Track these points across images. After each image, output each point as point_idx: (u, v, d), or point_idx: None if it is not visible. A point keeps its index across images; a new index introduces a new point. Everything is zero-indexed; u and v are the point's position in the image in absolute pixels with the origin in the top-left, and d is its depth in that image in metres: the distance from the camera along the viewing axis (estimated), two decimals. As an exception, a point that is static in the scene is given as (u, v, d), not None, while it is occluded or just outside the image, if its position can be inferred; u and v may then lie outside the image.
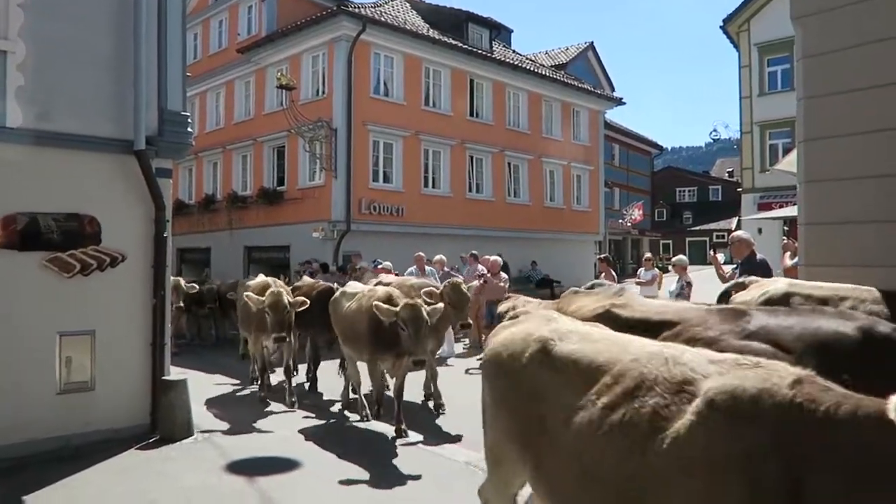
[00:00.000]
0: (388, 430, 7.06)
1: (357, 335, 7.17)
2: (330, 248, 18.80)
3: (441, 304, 6.98)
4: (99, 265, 6.88)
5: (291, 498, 5.17)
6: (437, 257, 13.26)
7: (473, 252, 12.87)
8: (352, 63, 19.06)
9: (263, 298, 7.85)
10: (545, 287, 23.18)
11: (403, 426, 6.82)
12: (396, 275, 11.96)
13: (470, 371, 10.59)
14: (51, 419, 6.52)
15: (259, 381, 9.13)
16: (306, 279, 10.85)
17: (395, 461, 6.09)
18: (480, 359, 4.12)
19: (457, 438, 6.93)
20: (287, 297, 7.93)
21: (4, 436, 6.23)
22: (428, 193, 21.30)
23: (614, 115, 36.29)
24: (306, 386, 9.48)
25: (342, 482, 5.50)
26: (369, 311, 6.68)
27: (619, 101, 29.67)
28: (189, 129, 7.75)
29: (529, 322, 3.11)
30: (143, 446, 6.62)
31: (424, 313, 6.37)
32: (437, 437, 7.02)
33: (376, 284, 8.31)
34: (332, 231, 18.83)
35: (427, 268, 12.70)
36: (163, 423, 6.94)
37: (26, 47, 6.57)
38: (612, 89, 33.88)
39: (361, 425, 7.45)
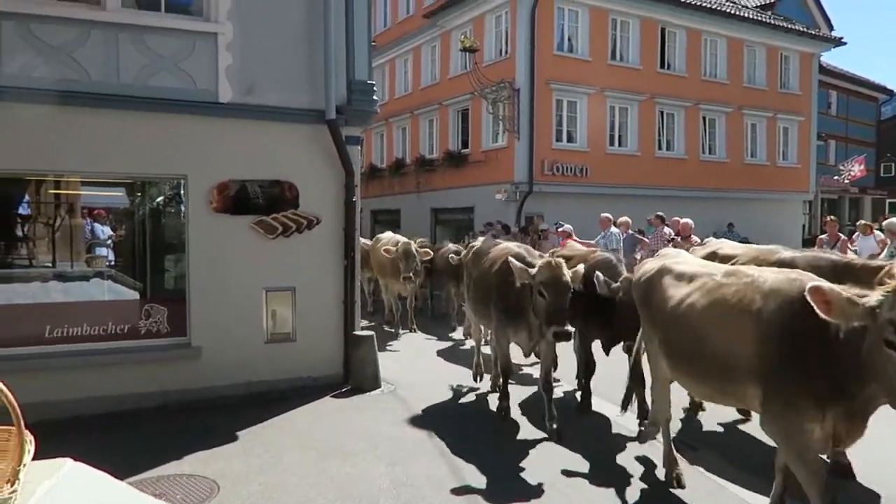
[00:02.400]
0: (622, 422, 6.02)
1: (732, 358, 3.77)
2: (513, 209, 18.85)
3: None
4: (297, 227, 7.50)
5: (467, 457, 5.30)
6: (622, 219, 12.73)
7: (659, 213, 12.15)
8: (535, 20, 18.68)
9: (533, 270, 5.49)
10: (743, 251, 21.44)
11: None
12: (575, 239, 11.68)
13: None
14: (261, 365, 7.31)
15: (495, 386, 7.03)
16: (574, 245, 8.97)
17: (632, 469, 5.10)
18: None
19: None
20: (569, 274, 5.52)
21: (225, 377, 7.12)
22: (613, 152, 20.47)
23: (833, 57, 32.15)
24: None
25: (524, 458, 5.41)
26: (781, 313, 3.50)
27: (839, 42, 26.11)
28: (374, 98, 8.05)
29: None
30: (337, 395, 7.20)
31: None
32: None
33: (707, 256, 5.87)
34: (515, 192, 18.84)
35: (612, 229, 12.22)
36: (353, 374, 7.49)
37: (233, 28, 7.22)
38: (831, 28, 29.90)
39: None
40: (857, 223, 10.90)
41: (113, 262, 8.13)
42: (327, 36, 7.51)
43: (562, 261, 5.58)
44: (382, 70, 26.64)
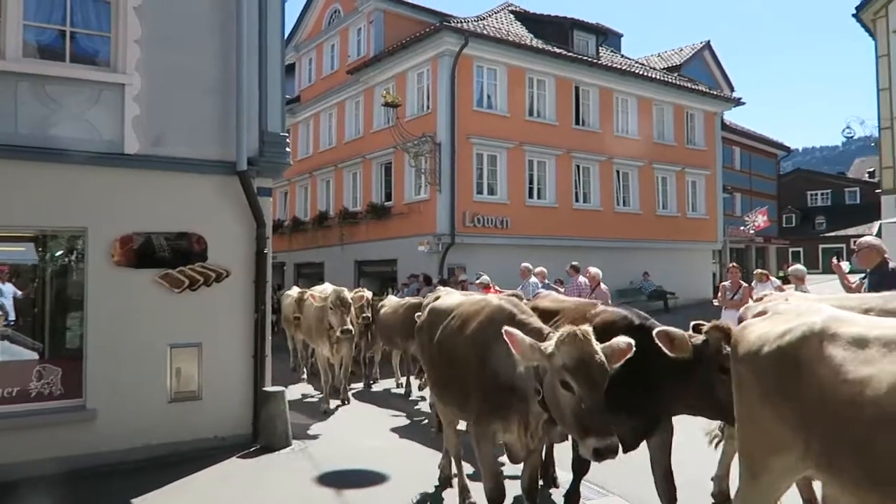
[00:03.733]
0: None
1: None
2: (435, 261, 18.98)
3: None
4: (205, 281, 7.29)
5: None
6: (538, 269, 12.99)
7: (574, 264, 12.46)
8: (455, 77, 19.25)
9: (547, 347, 3.54)
10: (658, 299, 22.25)
11: None
12: (497, 290, 11.82)
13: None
14: (163, 426, 6.95)
15: None
16: (556, 295, 7.53)
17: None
18: None
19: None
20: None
21: (124, 440, 6.72)
22: (533, 204, 21.05)
23: (734, 115, 34.41)
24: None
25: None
26: None
27: (738, 102, 28.06)
28: (287, 150, 8.03)
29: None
30: (244, 455, 6.90)
31: None
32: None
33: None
34: (438, 244, 19.01)
35: (531, 279, 12.44)
36: (263, 432, 7.22)
37: (142, 79, 7.11)
38: (732, 89, 32.13)
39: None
40: (754, 272, 11.43)
41: (13, 321, 7.66)
42: (240, 88, 7.49)
43: (589, 330, 3.55)
44: (307, 124, 26.75)
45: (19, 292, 7.66)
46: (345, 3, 24.54)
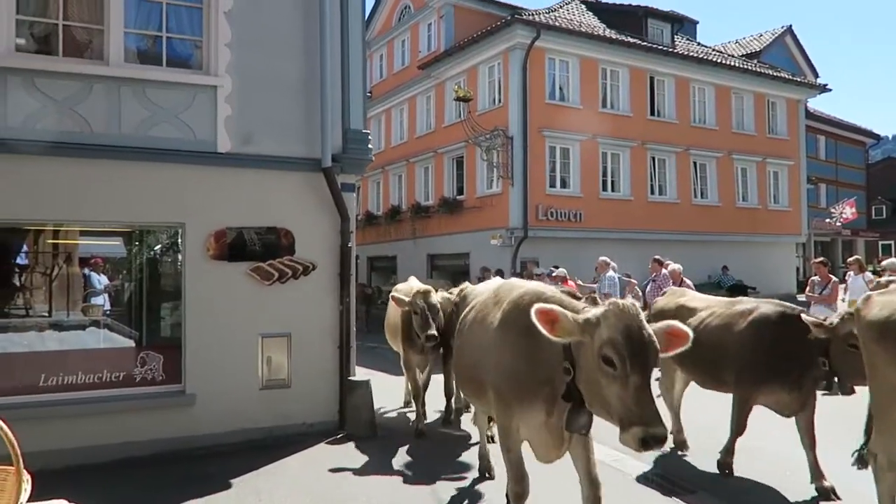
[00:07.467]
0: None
1: None
2: (508, 254, 19.00)
3: None
4: (293, 273, 7.58)
5: None
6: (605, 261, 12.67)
7: (657, 257, 12.08)
8: (527, 70, 19.18)
9: None
10: (738, 293, 21.52)
11: None
12: (577, 283, 11.76)
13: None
14: (256, 412, 7.28)
15: None
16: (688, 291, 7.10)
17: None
18: None
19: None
20: None
21: (220, 424, 7.08)
22: (607, 197, 20.76)
23: (819, 103, 32.83)
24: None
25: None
26: None
27: (824, 88, 26.76)
28: (369, 146, 8.23)
29: None
30: (332, 441, 7.14)
31: None
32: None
33: None
34: (510, 238, 19.03)
35: (609, 273, 12.26)
36: (349, 421, 7.46)
37: (232, 81, 7.44)
38: (816, 75, 30.71)
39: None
40: (850, 259, 10.85)
41: (109, 311, 8.18)
42: (323, 87, 7.72)
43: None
44: (379, 119, 27.18)
45: (109, 283, 8.19)
46: (415, -1, 24.80)
